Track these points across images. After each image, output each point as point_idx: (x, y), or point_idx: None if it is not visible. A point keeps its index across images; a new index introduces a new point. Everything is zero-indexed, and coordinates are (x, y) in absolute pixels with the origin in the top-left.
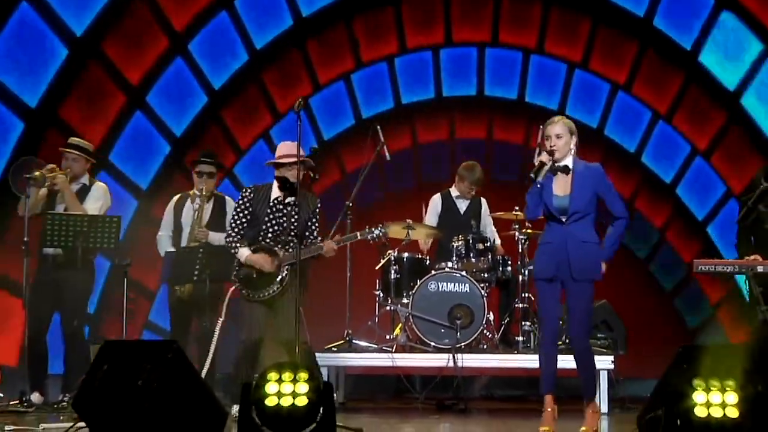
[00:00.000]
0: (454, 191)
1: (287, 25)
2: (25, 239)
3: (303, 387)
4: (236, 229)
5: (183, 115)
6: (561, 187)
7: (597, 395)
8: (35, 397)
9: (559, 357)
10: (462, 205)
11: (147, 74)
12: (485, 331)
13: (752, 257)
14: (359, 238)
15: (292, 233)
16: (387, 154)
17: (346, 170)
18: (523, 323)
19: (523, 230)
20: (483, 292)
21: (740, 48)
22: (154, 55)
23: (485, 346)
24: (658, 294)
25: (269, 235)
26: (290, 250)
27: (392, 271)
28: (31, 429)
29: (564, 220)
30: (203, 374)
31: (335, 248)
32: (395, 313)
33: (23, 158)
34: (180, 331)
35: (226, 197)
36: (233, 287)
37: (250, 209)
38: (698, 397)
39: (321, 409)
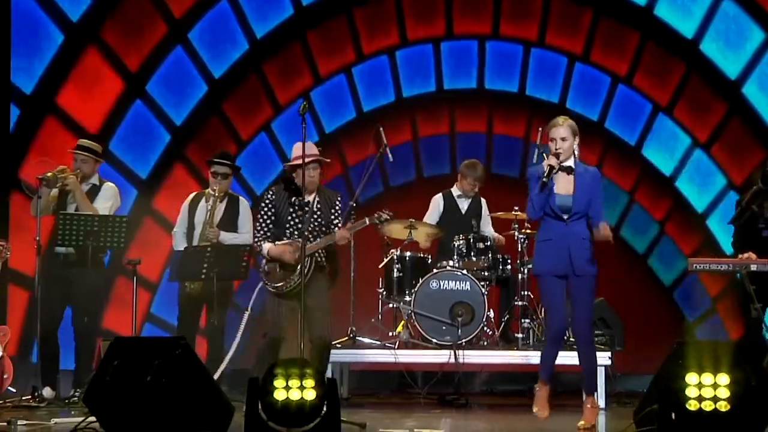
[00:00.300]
0: (455, 191)
1: (288, 14)
2: (37, 238)
3: (309, 382)
4: (261, 231)
5: (183, 104)
6: (564, 186)
7: (595, 391)
8: (47, 392)
9: (560, 353)
10: (463, 205)
11: (146, 61)
12: (486, 328)
13: (745, 256)
14: (368, 223)
15: (315, 229)
16: (390, 155)
17: (348, 163)
18: (522, 320)
19: (522, 230)
20: (483, 290)
21: (742, 36)
22: (152, 42)
23: (486, 343)
24: (657, 288)
25: (295, 232)
26: (310, 242)
27: (395, 270)
28: (43, 423)
29: (566, 218)
30: (222, 368)
31: (347, 236)
32: (398, 311)
33: (41, 159)
34: (188, 326)
35: (240, 198)
36: (261, 282)
37: (273, 209)
38: (691, 391)
39: (326, 403)
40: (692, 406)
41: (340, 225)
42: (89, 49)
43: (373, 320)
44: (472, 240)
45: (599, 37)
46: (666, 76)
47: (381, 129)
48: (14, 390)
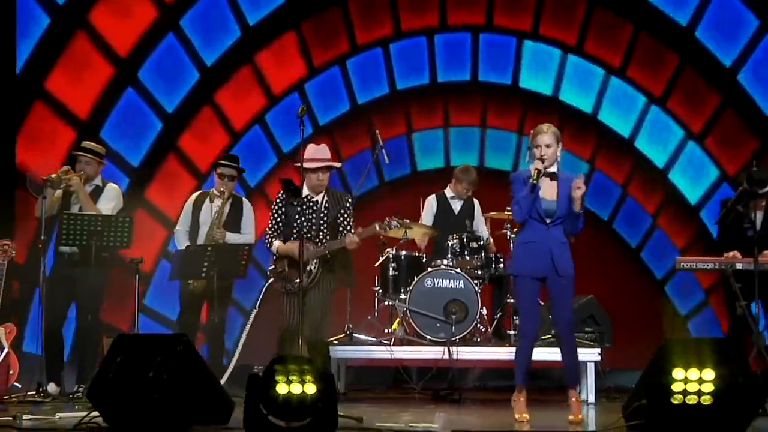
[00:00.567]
0: (449, 192)
1: (281, 1)
2: (42, 238)
3: (309, 377)
4: (271, 230)
5: (175, 92)
6: (548, 192)
7: (585, 386)
8: (51, 387)
9: (545, 350)
10: (456, 206)
11: (136, 47)
12: (479, 325)
13: (731, 254)
14: (378, 230)
15: (322, 229)
16: (386, 157)
17: (342, 156)
18: (514, 318)
19: (515, 230)
20: (477, 288)
21: (737, 24)
22: (142, 27)
23: (479, 340)
24: (650, 282)
25: (303, 231)
26: (319, 244)
27: (391, 268)
28: (48, 418)
29: (548, 222)
30: (232, 366)
31: (357, 241)
32: (393, 308)
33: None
34: (189, 323)
35: (244, 199)
36: (270, 280)
37: (284, 209)
38: (677, 386)
39: (324, 398)
40: (677, 400)
41: (349, 227)
42: (78, 34)
43: (369, 317)
44: (465, 239)
45: (593, 28)
46: (660, 68)
47: (377, 131)
48: (19, 385)
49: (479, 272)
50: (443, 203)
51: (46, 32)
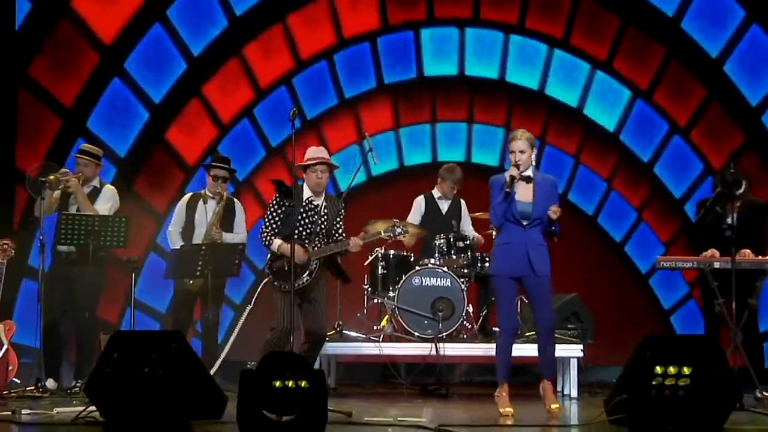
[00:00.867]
0: (436, 193)
1: None
2: (41, 237)
3: (302, 373)
4: (270, 228)
5: (161, 82)
6: (523, 194)
7: (568, 381)
8: (50, 383)
9: (528, 346)
10: (443, 206)
11: (121, 35)
12: (465, 322)
13: (709, 253)
14: (382, 235)
15: (321, 233)
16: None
17: (330, 150)
18: None
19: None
20: (463, 286)
21: (723, 14)
22: (127, 14)
23: (465, 336)
24: (634, 276)
25: (303, 233)
26: (319, 245)
27: (379, 267)
28: (46, 413)
29: (525, 224)
30: (220, 361)
31: (361, 244)
32: (382, 306)
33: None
34: (183, 320)
35: (235, 200)
36: (266, 279)
37: (282, 210)
38: (657, 381)
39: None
40: (656, 394)
41: (342, 230)
42: (61, 20)
43: (359, 315)
44: (452, 239)
45: (579, 20)
46: (646, 60)
47: (367, 134)
48: (19, 381)
49: (465, 271)
50: (431, 204)
51: (27, 18)
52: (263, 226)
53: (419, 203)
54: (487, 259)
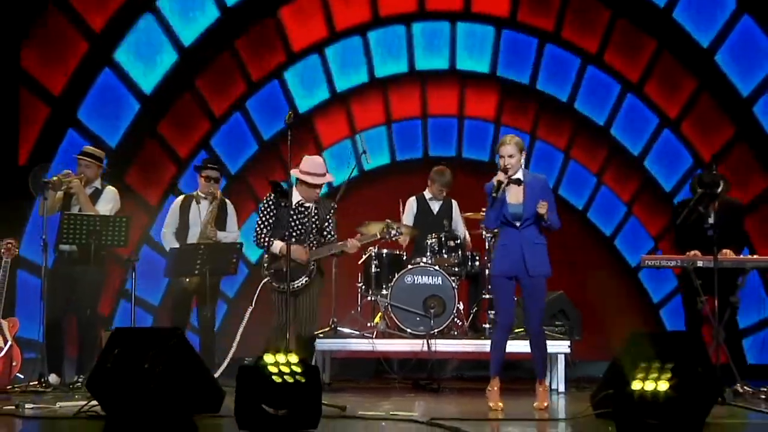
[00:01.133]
0: (427, 194)
1: None
2: (43, 236)
3: (297, 368)
4: (264, 230)
5: (152, 73)
6: (514, 196)
7: (556, 376)
8: (53, 378)
9: (519, 342)
10: (435, 207)
11: (111, 24)
12: (456, 319)
13: (692, 253)
14: (378, 237)
15: (313, 233)
16: (369, 158)
17: (322, 145)
18: (489, 312)
19: (485, 231)
20: (454, 284)
21: (714, 5)
22: (117, 2)
23: (456, 333)
24: (623, 269)
25: (294, 234)
26: (314, 247)
27: (373, 266)
28: (49, 407)
29: (518, 225)
30: (227, 360)
31: (358, 245)
32: (376, 303)
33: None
34: (181, 317)
35: (226, 200)
36: (264, 279)
37: (275, 211)
38: (640, 376)
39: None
40: (640, 389)
41: (333, 231)
42: (50, 10)
43: (353, 312)
44: (443, 238)
45: (570, 12)
46: (637, 52)
47: (361, 136)
48: (22, 376)
49: (456, 269)
50: (423, 204)
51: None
52: (257, 228)
53: (411, 204)
54: (477, 257)
